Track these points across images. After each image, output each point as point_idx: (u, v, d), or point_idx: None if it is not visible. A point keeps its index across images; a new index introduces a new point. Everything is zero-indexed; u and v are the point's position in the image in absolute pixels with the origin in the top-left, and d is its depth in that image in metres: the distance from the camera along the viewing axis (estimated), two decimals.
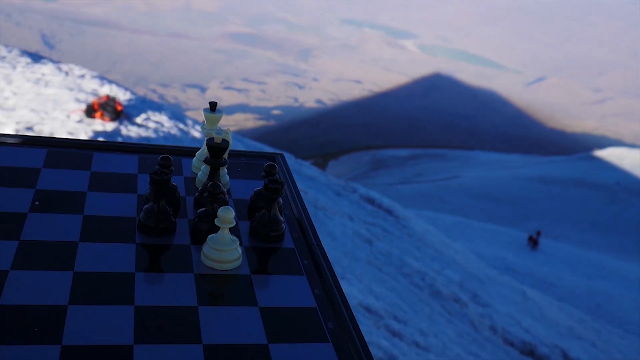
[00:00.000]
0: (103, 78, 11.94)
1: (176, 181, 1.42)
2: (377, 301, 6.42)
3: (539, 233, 23.36)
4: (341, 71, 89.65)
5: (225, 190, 1.35)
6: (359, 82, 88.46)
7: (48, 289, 1.04)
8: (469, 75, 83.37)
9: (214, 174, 1.37)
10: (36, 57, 13.53)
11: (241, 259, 1.22)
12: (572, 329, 10.62)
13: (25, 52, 13.57)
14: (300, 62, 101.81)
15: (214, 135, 1.33)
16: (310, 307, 1.13)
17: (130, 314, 1.01)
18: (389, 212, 11.49)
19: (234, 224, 1.17)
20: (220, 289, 1.16)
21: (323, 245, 1.36)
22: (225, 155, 1.39)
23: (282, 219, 1.34)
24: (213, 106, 1.47)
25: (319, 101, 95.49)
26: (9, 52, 13.11)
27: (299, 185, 7.88)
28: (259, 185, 1.45)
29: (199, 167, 1.50)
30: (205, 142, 1.41)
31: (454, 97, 70.30)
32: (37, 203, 1.30)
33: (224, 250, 1.19)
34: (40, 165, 1.44)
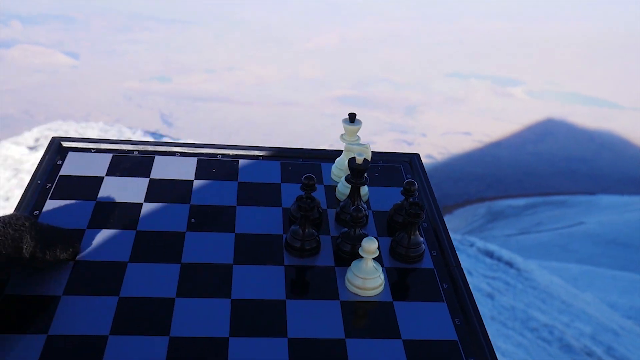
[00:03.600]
0: None
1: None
2: (504, 358, 6.20)
3: None
4: (449, 124, 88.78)
5: (366, 211, 1.38)
6: (468, 134, 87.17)
7: (208, 318, 1.09)
8: (584, 117, 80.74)
9: (354, 194, 1.39)
10: (157, 136, 14.42)
11: (383, 284, 1.24)
12: None
13: (147, 132, 14.51)
14: (407, 119, 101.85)
15: (355, 154, 1.36)
16: (451, 340, 1.12)
17: (283, 345, 1.05)
18: (509, 264, 11.15)
19: (377, 254, 1.20)
20: (364, 318, 1.18)
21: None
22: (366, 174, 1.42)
23: (421, 239, 1.35)
24: (352, 117, 1.50)
25: (429, 156, 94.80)
26: (133, 133, 14.09)
27: None
28: (397, 193, 1.47)
29: (339, 176, 1.54)
30: (344, 152, 1.49)
31: (569, 142, 67.96)
32: (193, 220, 1.37)
33: (367, 278, 1.23)
34: (192, 177, 1.53)
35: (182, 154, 1.65)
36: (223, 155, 1.66)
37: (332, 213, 1.46)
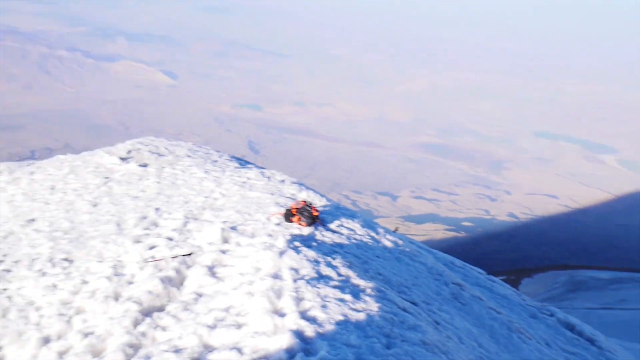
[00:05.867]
0: (301, 184, 12.46)
1: None
2: None
3: None
4: (535, 185, 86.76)
5: None
6: (554, 196, 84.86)
7: None
8: None
9: None
10: (243, 162, 14.56)
11: None
12: None
13: (234, 157, 14.68)
14: (491, 174, 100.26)
15: None
16: None
17: None
18: (590, 341, 10.50)
19: None
20: None
21: None
22: None
23: None
24: None
25: (511, 215, 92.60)
26: (220, 156, 14.29)
27: (492, 303, 7.32)
28: None
29: None
30: None
31: None
32: None
33: None
34: None
35: None
36: None
37: None
